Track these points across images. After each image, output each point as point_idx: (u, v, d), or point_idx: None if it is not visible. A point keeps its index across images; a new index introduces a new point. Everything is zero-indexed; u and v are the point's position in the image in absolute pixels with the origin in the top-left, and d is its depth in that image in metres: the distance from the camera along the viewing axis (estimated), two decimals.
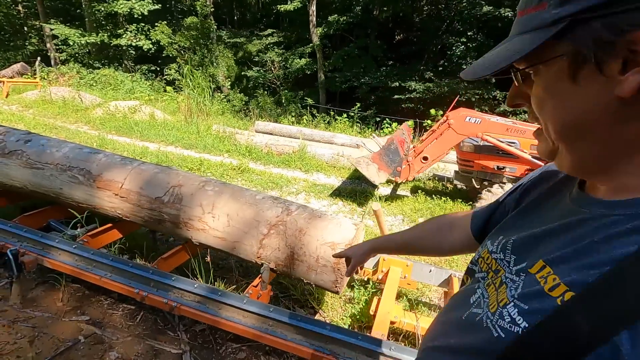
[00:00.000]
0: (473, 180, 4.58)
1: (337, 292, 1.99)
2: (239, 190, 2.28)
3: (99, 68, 14.74)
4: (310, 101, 11.56)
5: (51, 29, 15.12)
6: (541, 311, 0.45)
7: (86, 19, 15.45)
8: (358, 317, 2.43)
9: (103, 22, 15.52)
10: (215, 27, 15.31)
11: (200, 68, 14.06)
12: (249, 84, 15.39)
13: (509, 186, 3.97)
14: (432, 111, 9.25)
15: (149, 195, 2.33)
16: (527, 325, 0.46)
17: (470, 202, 4.83)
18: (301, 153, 6.55)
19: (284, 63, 14.90)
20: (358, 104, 10.55)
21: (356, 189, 5.29)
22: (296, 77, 14.84)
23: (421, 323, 2.08)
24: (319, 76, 14.00)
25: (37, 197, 2.82)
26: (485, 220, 0.80)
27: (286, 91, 13.63)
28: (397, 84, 12.12)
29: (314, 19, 13.52)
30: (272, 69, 14.97)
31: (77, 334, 2.23)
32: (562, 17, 0.41)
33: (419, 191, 5.27)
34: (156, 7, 14.42)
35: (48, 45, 16.82)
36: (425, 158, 4.44)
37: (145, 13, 14.24)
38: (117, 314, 2.46)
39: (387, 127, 9.95)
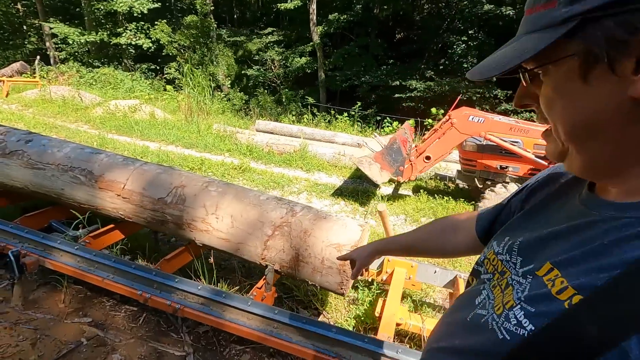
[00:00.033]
0: (476, 179, 4.57)
1: (342, 294, 1.97)
2: (242, 191, 2.26)
3: (98, 67, 14.69)
4: (311, 100, 11.53)
5: (50, 28, 15.07)
6: (548, 314, 0.44)
7: (85, 18, 15.39)
8: (362, 318, 2.41)
9: (102, 21, 15.47)
10: (215, 25, 15.26)
11: (200, 67, 14.02)
12: (249, 82, 15.36)
13: (512, 186, 3.96)
14: (433, 110, 9.23)
15: (152, 196, 2.31)
16: (533, 328, 0.45)
17: (473, 202, 4.81)
18: (302, 152, 6.53)
19: (284, 62, 14.86)
20: (359, 103, 10.52)
21: (358, 189, 5.27)
22: (296, 75, 14.80)
23: (427, 325, 2.06)
24: (319, 75, 13.97)
25: (38, 197, 2.79)
26: (490, 221, 0.79)
27: (287, 90, 13.59)
28: (397, 82, 12.08)
29: (314, 17, 13.48)
30: (272, 67, 14.93)
31: (80, 336, 2.21)
32: (573, 16, 0.40)
33: (421, 190, 5.25)
34: (156, 5, 14.37)
35: (47, 44, 16.76)
36: (427, 157, 4.42)
37: (145, 11, 14.19)
38: (120, 316, 2.44)
39: (387, 126, 9.92)
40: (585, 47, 0.40)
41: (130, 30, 15.00)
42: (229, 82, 15.51)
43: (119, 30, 15.13)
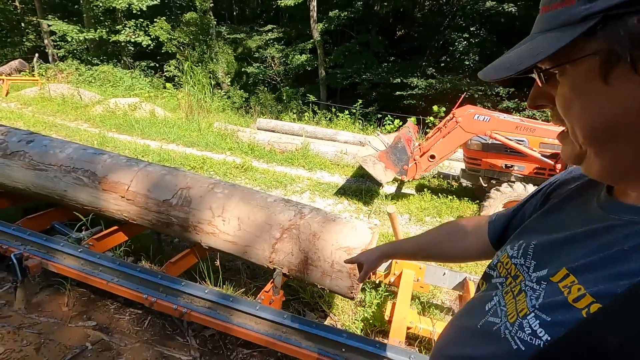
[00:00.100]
0: (480, 178, 4.53)
1: (352, 298, 1.94)
2: (249, 192, 2.22)
3: (97, 64, 14.60)
4: (312, 98, 11.46)
5: (49, 25, 14.95)
6: (565, 324, 0.42)
7: (84, 15, 15.26)
8: (371, 321, 2.38)
9: (101, 18, 15.35)
10: (215, 22, 15.16)
11: (200, 64, 13.92)
12: (249, 80, 15.27)
13: (518, 185, 3.92)
14: (435, 108, 9.17)
15: (157, 198, 2.27)
16: (549, 338, 0.43)
17: (477, 201, 4.78)
18: (304, 151, 6.49)
19: (284, 59, 14.76)
20: (360, 101, 10.47)
21: (361, 188, 5.23)
22: (297, 73, 14.71)
23: (437, 328, 2.03)
24: (319, 72, 13.89)
25: (40, 199, 2.75)
26: (503, 226, 0.77)
27: (287, 88, 13.51)
28: (398, 80, 12.01)
29: (315, 14, 13.38)
30: (273, 65, 14.84)
31: (84, 340, 2.17)
32: (594, 13, 0.38)
33: (425, 189, 5.22)
34: (155, 2, 14.25)
35: (46, 41, 16.64)
36: (432, 156, 4.38)
37: (144, 9, 14.08)
38: (124, 319, 2.41)
39: (389, 124, 9.87)
40: (607, 45, 0.38)
41: (129, 28, 14.88)
42: (229, 79, 15.43)
43: (117, 27, 15.02)
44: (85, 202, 2.49)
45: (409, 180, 4.94)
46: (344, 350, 1.74)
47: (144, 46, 14.98)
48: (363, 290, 2.68)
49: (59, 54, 16.21)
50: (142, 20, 14.89)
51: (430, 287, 2.60)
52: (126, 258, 2.82)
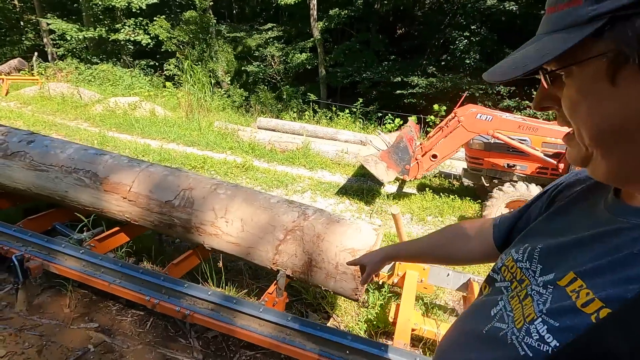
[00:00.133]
0: (482, 178, 4.51)
1: (356, 300, 1.93)
2: (252, 193, 2.20)
3: (97, 63, 14.55)
4: (312, 97, 11.42)
5: (48, 24, 14.89)
6: (573, 329, 0.41)
7: (83, 14, 15.19)
8: (375, 322, 2.36)
9: (101, 17, 15.28)
10: (215, 21, 15.10)
11: (200, 63, 13.88)
12: (249, 79, 15.22)
13: (520, 184, 3.91)
14: (436, 107, 9.15)
15: (159, 199, 2.25)
16: (557, 344, 0.42)
17: (479, 200, 4.77)
18: (305, 150, 6.47)
19: (284, 58, 14.71)
20: (360, 100, 10.44)
21: (362, 187, 5.22)
22: (297, 72, 14.66)
23: (442, 330, 2.02)
24: (320, 71, 13.85)
25: (41, 199, 2.74)
26: (508, 229, 0.76)
27: (287, 86, 13.47)
28: (399, 79, 11.96)
29: (315, 12, 13.33)
30: (273, 63, 14.79)
31: (87, 343, 2.16)
32: (601, 14, 0.37)
33: (427, 189, 5.20)
34: (154, 0, 14.20)
35: (45, 40, 16.58)
36: (434, 156, 4.36)
37: (144, 7, 14.03)
38: (127, 321, 2.40)
39: (389, 123, 9.84)
40: (614, 47, 0.38)
41: (129, 26, 14.83)
42: (229, 78, 15.39)
43: (117, 26, 14.96)
44: (87, 203, 2.47)
45: (410, 180, 4.92)
46: (348, 352, 1.73)
47: (144, 45, 14.93)
48: (367, 291, 2.66)
49: (58, 53, 16.16)
50: (141, 18, 14.83)
51: (434, 288, 2.59)
52: (128, 259, 2.81)
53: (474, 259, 0.88)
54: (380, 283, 2.61)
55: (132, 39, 14.83)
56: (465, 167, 4.83)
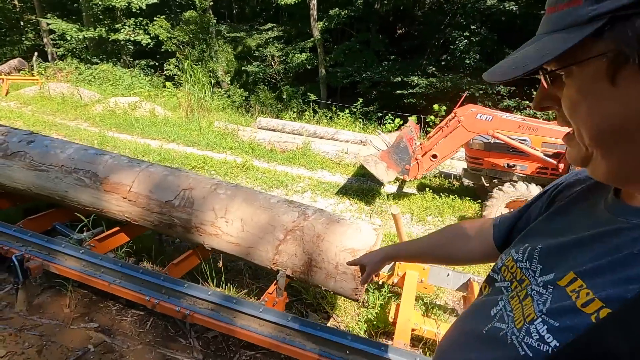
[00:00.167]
0: (482, 178, 4.51)
1: (356, 300, 1.93)
2: (252, 193, 2.20)
3: (97, 63, 14.54)
4: (312, 97, 11.42)
5: (48, 24, 14.88)
6: (573, 329, 0.41)
7: (83, 14, 15.19)
8: (375, 322, 2.36)
9: (100, 17, 15.28)
10: (215, 21, 15.10)
11: (200, 63, 13.88)
12: (249, 79, 15.22)
13: (520, 184, 3.91)
14: (436, 107, 9.15)
15: (159, 199, 2.25)
16: (557, 344, 0.42)
17: (479, 200, 4.77)
18: (305, 150, 6.46)
19: (284, 58, 14.70)
20: (360, 100, 10.44)
21: (362, 187, 5.22)
22: (297, 72, 14.65)
23: (442, 330, 2.02)
24: (320, 71, 13.84)
25: (41, 199, 2.74)
26: (508, 229, 0.76)
27: (287, 86, 13.47)
28: (399, 78, 11.96)
29: (315, 12, 13.33)
30: (273, 63, 14.79)
31: (87, 343, 2.16)
32: (601, 14, 0.37)
33: (426, 189, 5.20)
34: (154, 0, 14.20)
35: (45, 40, 16.57)
36: (434, 156, 4.36)
37: (144, 7, 14.02)
38: (127, 321, 2.40)
39: (389, 123, 9.84)
40: (614, 47, 0.38)
41: (129, 26, 14.82)
42: (229, 78, 15.38)
43: (117, 26, 14.95)
44: (87, 203, 2.47)
45: (410, 180, 4.92)
46: (348, 352, 1.73)
47: (144, 45, 14.93)
48: (366, 291, 2.66)
49: (58, 53, 16.15)
50: (141, 18, 14.83)
51: (434, 288, 2.59)
52: (127, 259, 2.81)
53: (474, 259, 0.88)
54: (380, 283, 2.61)
55: (132, 39, 14.83)
56: (465, 167, 4.83)
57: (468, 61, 11.12)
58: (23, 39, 18.00)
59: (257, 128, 8.19)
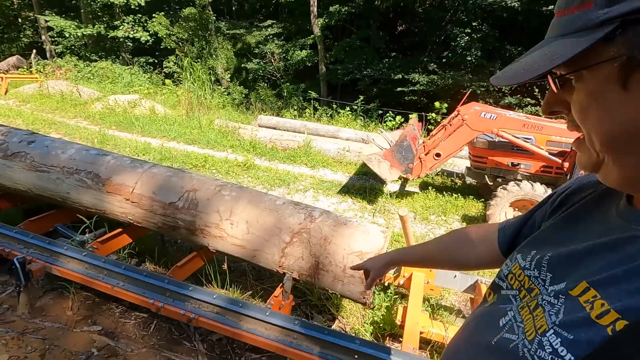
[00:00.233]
0: (486, 176, 4.48)
1: (364, 304, 1.90)
2: (257, 195, 2.17)
3: (96, 61, 14.45)
4: (313, 94, 11.35)
5: (46, 21, 14.77)
6: (589, 342, 0.40)
7: (82, 10, 15.09)
8: (381, 325, 2.34)
9: (99, 14, 15.17)
10: (214, 18, 15.00)
11: (199, 60, 13.80)
12: (249, 76, 15.13)
13: (525, 183, 3.88)
14: (437, 104, 9.09)
15: (162, 201, 2.22)
16: (572, 358, 0.40)
17: (483, 199, 4.75)
18: (306, 148, 6.43)
19: (284, 55, 14.61)
20: (361, 97, 10.39)
21: (365, 186, 5.19)
22: (297, 69, 14.57)
23: (450, 333, 2.00)
24: (320, 68, 13.76)
25: (42, 200, 2.70)
26: (513, 234, 0.75)
27: (288, 84, 13.40)
28: (400, 76, 11.88)
29: (315, 9, 13.23)
30: (272, 61, 14.70)
31: (90, 346, 2.14)
32: (613, 18, 0.37)
33: (429, 187, 5.18)
34: None
35: (43, 37, 16.45)
36: (438, 154, 4.33)
37: (142, 4, 13.93)
38: (130, 323, 2.37)
39: (390, 121, 9.80)
40: (626, 51, 0.37)
41: (128, 23, 14.72)
42: (229, 75, 15.30)
43: (116, 23, 14.85)
44: (89, 205, 2.44)
45: (413, 179, 4.90)
46: (356, 357, 1.70)
47: (143, 42, 14.84)
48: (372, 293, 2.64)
49: (56, 50, 16.05)
50: (140, 15, 14.73)
51: (440, 290, 2.57)
52: (130, 260, 2.78)
53: (480, 264, 0.87)
54: (385, 284, 2.58)
55: (131, 36, 14.72)
56: (469, 165, 4.80)
57: (469, 58, 11.05)
58: (21, 36, 17.88)
59: (258, 126, 8.15)
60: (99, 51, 15.60)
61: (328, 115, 10.12)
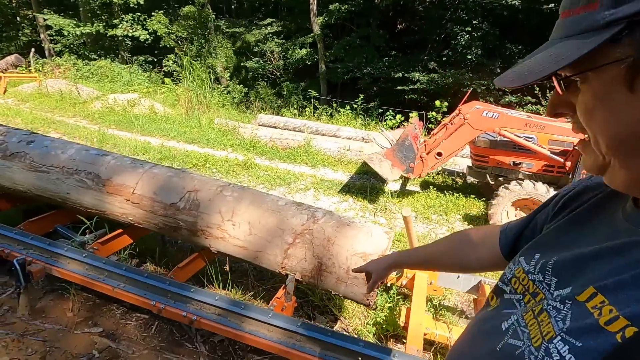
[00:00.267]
0: (487, 176, 4.47)
1: (368, 305, 1.88)
2: (259, 195, 2.15)
3: (94, 59, 14.41)
4: (313, 93, 11.33)
5: (45, 19, 14.72)
6: (598, 350, 0.38)
7: (80, 9, 15.04)
8: (384, 326, 2.33)
9: (98, 12, 15.12)
10: (213, 16, 14.95)
11: (199, 59, 13.75)
12: (248, 75, 15.09)
13: (527, 183, 3.86)
14: (437, 103, 9.08)
15: (164, 201, 2.20)
16: None
17: (484, 198, 4.73)
18: (307, 147, 6.41)
19: (283, 53, 14.58)
20: (361, 96, 10.37)
21: (366, 185, 5.18)
22: (296, 67, 14.54)
23: (453, 334, 1.98)
24: (320, 67, 13.74)
25: (42, 201, 2.68)
26: (515, 236, 0.74)
27: (288, 82, 13.36)
28: (400, 74, 11.85)
29: (315, 7, 13.20)
30: (272, 59, 14.67)
31: (91, 348, 2.12)
32: (619, 19, 0.36)
33: (430, 187, 5.16)
34: None
35: (42, 35, 16.39)
36: (439, 154, 4.31)
37: (141, 2, 13.89)
38: (131, 324, 2.35)
39: (390, 119, 9.78)
40: (633, 52, 0.37)
41: (127, 22, 14.68)
42: (228, 74, 15.26)
43: (115, 21, 14.80)
44: (89, 205, 2.42)
45: (414, 178, 4.88)
46: (360, 359, 1.68)
47: (142, 40, 14.79)
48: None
49: (55, 49, 15.98)
50: (139, 14, 14.68)
51: (443, 290, 2.55)
52: (131, 261, 2.76)
53: (482, 267, 0.87)
54: (388, 285, 2.57)
55: (130, 34, 14.68)
56: (470, 164, 4.79)
57: (469, 56, 11.03)
58: (19, 34, 17.81)
59: (258, 125, 8.13)
60: (98, 50, 15.55)
61: (328, 114, 10.10)
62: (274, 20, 15.22)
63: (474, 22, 11.08)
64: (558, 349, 0.42)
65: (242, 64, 15.21)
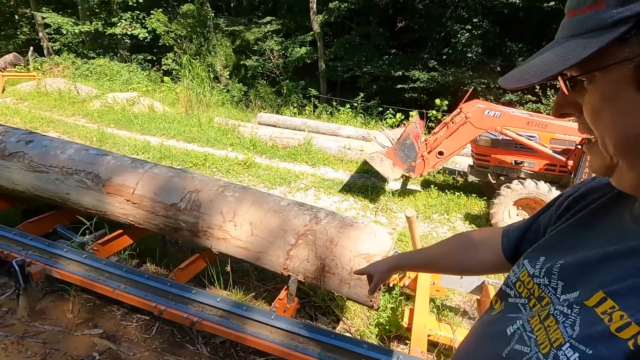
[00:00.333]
0: (489, 175, 4.45)
1: (371, 307, 1.86)
2: (261, 196, 2.13)
3: (93, 58, 14.34)
4: (313, 91, 11.30)
5: (43, 18, 14.64)
6: (610, 357, 0.37)
7: (79, 7, 14.95)
8: (387, 327, 2.31)
9: (96, 10, 15.04)
10: (212, 14, 14.89)
11: (198, 57, 13.69)
12: (248, 73, 15.03)
13: (529, 182, 3.84)
14: (437, 101, 9.06)
15: (164, 202, 2.18)
16: None
17: (485, 197, 4.72)
18: (307, 146, 6.39)
19: (283, 52, 14.52)
20: (361, 94, 10.34)
21: (366, 184, 5.16)
22: (296, 66, 14.48)
23: (458, 336, 1.97)
24: (319, 65, 13.69)
25: (41, 201, 2.66)
26: (518, 239, 0.73)
27: (287, 81, 13.32)
28: (400, 73, 11.81)
29: (314, 5, 13.14)
30: (272, 58, 14.61)
31: (91, 350, 2.10)
32: (626, 18, 0.36)
33: (431, 186, 5.14)
34: None
35: (40, 34, 16.30)
36: (440, 153, 4.29)
37: (140, 0, 13.81)
38: (132, 326, 2.33)
39: (390, 118, 9.76)
40: None
41: (126, 20, 14.60)
42: (227, 73, 15.21)
43: (113, 19, 14.73)
44: (89, 206, 2.40)
45: (415, 177, 4.86)
46: None
47: (141, 39, 14.72)
48: None
49: (54, 47, 15.91)
50: (138, 12, 14.60)
51: (446, 291, 2.54)
52: (131, 261, 2.74)
53: (484, 269, 0.86)
54: (391, 285, 2.55)
55: (129, 32, 14.61)
56: (471, 163, 4.77)
57: (470, 55, 10.99)
58: (18, 33, 17.73)
59: (258, 124, 8.10)
60: (97, 48, 15.48)
61: (328, 112, 10.07)
62: (274, 18, 15.15)
63: (474, 20, 11.05)
64: (567, 357, 0.40)
65: (241, 62, 15.15)
